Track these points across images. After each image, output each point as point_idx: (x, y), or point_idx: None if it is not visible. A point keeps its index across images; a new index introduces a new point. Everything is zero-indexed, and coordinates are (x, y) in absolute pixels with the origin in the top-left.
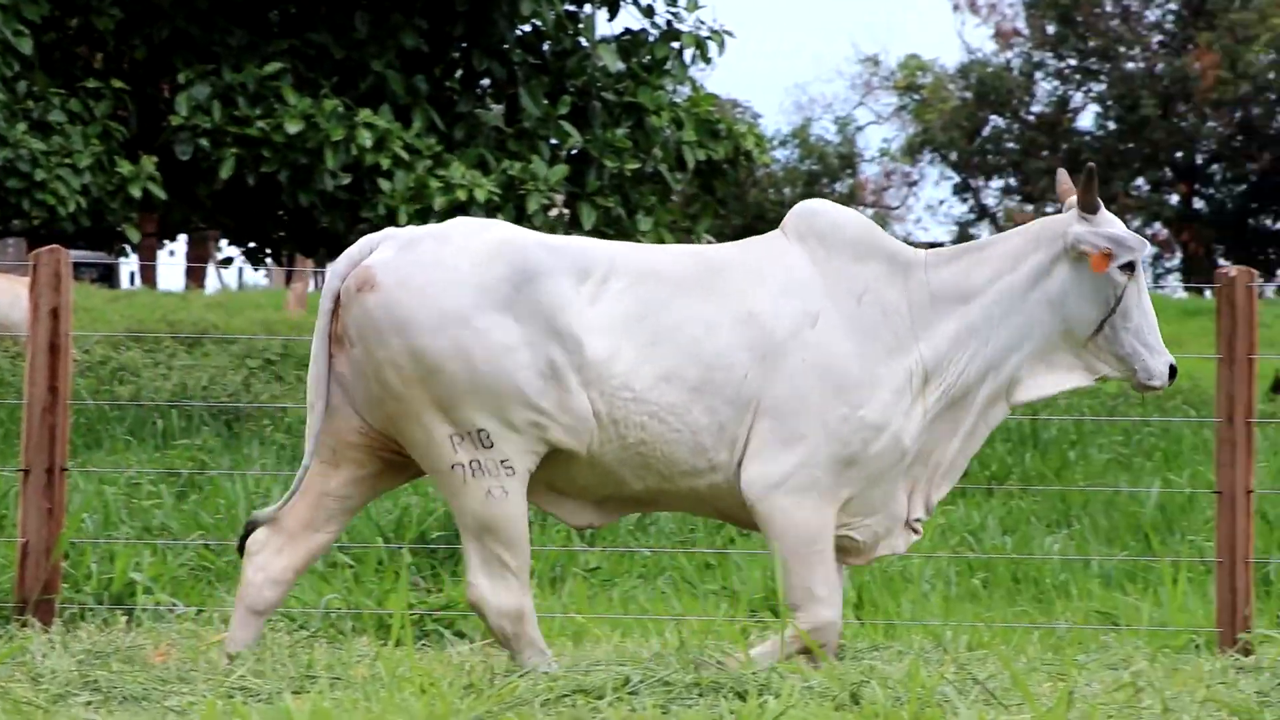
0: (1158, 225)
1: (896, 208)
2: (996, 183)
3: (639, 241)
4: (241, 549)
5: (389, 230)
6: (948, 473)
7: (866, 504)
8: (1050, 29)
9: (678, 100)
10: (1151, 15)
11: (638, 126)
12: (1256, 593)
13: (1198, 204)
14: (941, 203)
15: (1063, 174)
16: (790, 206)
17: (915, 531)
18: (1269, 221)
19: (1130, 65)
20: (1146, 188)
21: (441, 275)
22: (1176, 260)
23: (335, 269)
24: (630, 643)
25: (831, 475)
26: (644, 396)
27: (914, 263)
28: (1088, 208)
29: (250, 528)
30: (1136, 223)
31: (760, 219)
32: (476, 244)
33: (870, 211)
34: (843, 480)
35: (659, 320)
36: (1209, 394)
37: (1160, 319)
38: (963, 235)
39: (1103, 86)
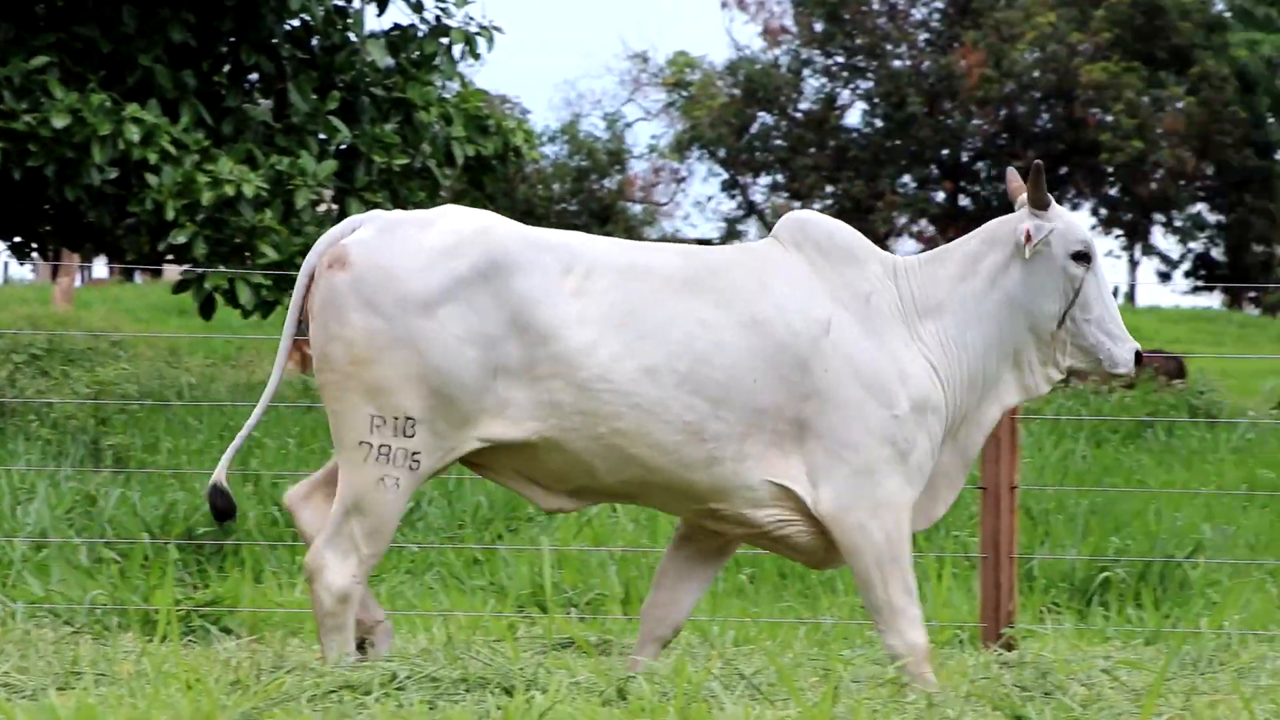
0: (924, 222)
1: (665, 204)
2: (764, 180)
3: None
4: (220, 518)
5: (374, 211)
6: (950, 483)
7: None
8: (818, 27)
9: (447, 96)
10: (918, 14)
11: (406, 122)
12: (1020, 588)
13: (964, 201)
14: (710, 199)
15: (1012, 172)
16: (559, 202)
17: None
18: None
19: (897, 63)
20: (913, 185)
21: (413, 260)
22: None
23: (315, 247)
24: (398, 639)
25: (898, 472)
26: (624, 389)
27: (898, 267)
28: (1038, 204)
29: (213, 491)
30: (903, 220)
31: (529, 215)
32: (455, 232)
33: (639, 208)
34: (905, 476)
35: (648, 316)
36: None
37: None
38: (731, 232)
39: (870, 84)
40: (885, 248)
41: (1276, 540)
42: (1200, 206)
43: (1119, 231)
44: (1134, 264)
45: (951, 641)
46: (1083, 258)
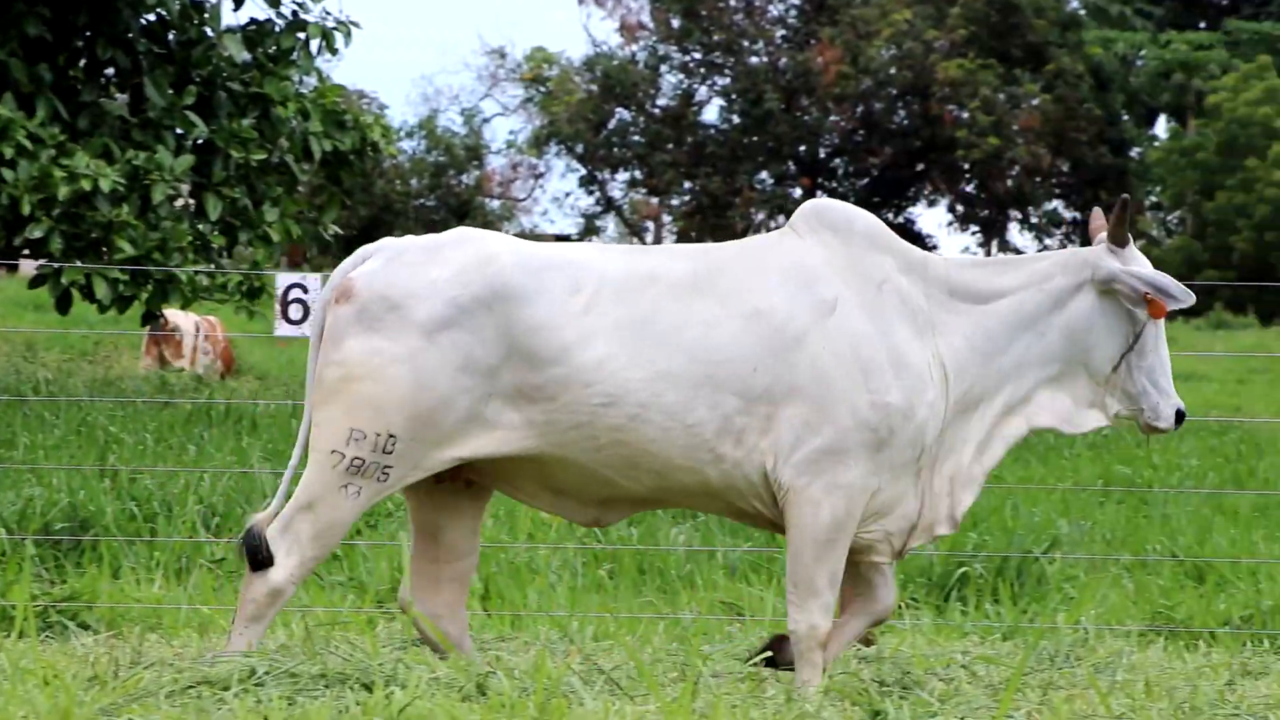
0: (781, 218)
1: (523, 200)
2: (622, 175)
3: (266, 231)
4: (253, 564)
5: (385, 241)
6: (966, 484)
7: (881, 501)
8: (675, 23)
9: (304, 91)
10: (775, 10)
11: (264, 117)
12: None
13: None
14: (568, 195)
15: (1097, 211)
16: (417, 197)
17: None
18: (890, 215)
19: (754, 59)
20: (770, 181)
21: (417, 287)
22: None
23: (331, 279)
24: None
25: (863, 462)
26: (627, 400)
27: (929, 262)
28: (1118, 241)
29: (251, 537)
30: (760, 216)
31: (387, 210)
32: (460, 258)
33: (497, 204)
34: (873, 468)
35: (658, 324)
36: None
37: None
38: (589, 228)
39: (727, 80)
40: None
41: (1133, 535)
42: (1056, 203)
43: (975, 228)
44: None
45: None
46: (1150, 304)
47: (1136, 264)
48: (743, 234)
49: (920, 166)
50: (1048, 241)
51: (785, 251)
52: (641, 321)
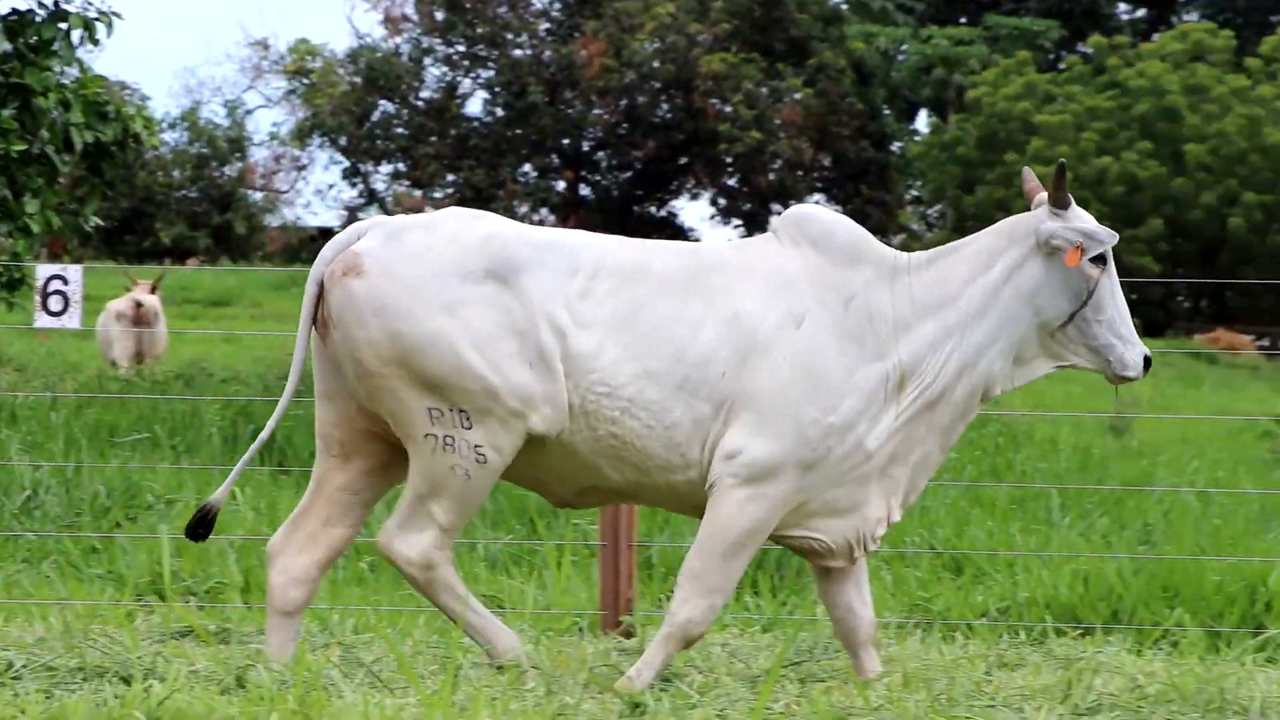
0: (545, 211)
1: (286, 191)
2: (386, 168)
3: (27, 222)
4: (192, 534)
5: (376, 218)
6: (925, 470)
7: (829, 506)
8: (439, 15)
9: (65, 82)
10: (539, 3)
11: (24, 108)
12: (639, 575)
13: (584, 190)
14: (331, 187)
15: (1028, 172)
16: (180, 189)
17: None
18: (653, 209)
19: (518, 52)
20: (534, 174)
21: (428, 264)
22: None
23: (322, 255)
24: (14, 628)
25: (792, 479)
26: (620, 393)
27: (899, 266)
28: (1059, 203)
29: (203, 513)
30: (524, 209)
31: (149, 201)
32: (464, 235)
33: (259, 196)
34: (801, 484)
35: (646, 319)
36: None
37: None
38: (352, 220)
39: (491, 73)
40: None
41: (892, 529)
42: (818, 197)
43: (738, 221)
44: None
45: (571, 629)
46: (1099, 259)
47: (1079, 222)
48: None
49: (683, 160)
50: None
51: (768, 257)
52: (632, 316)
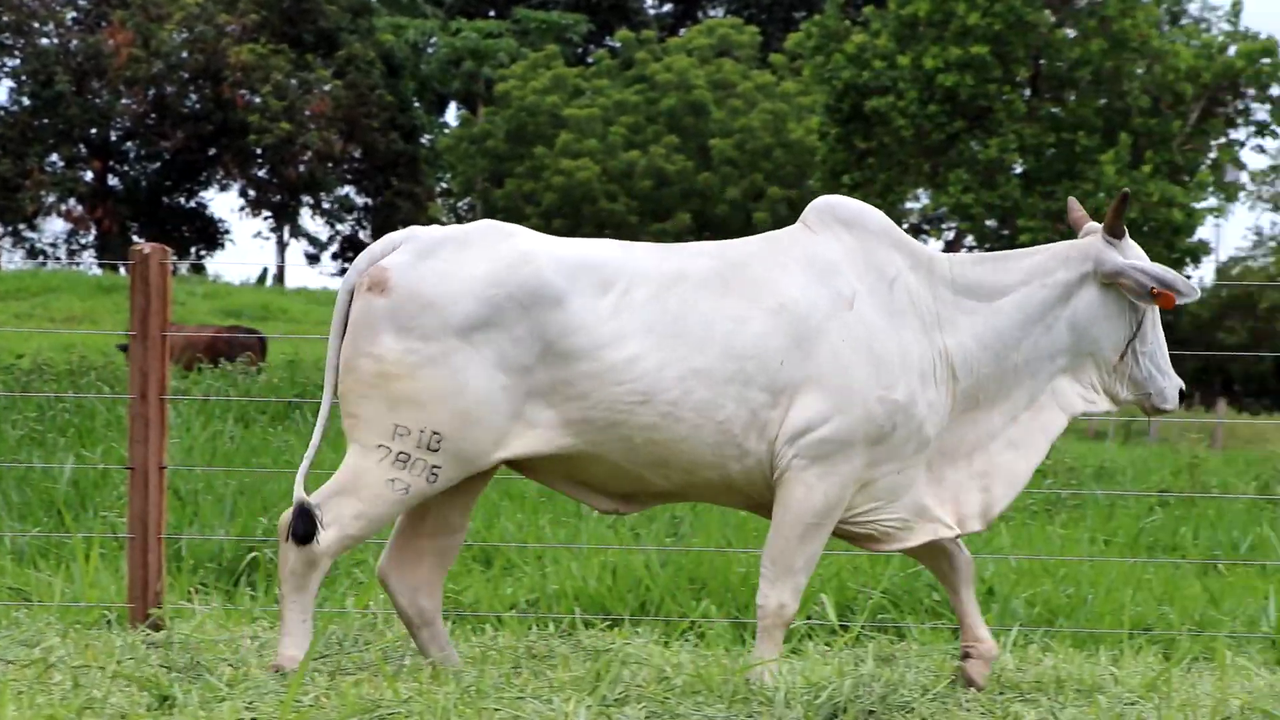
0: (73, 201)
1: None
2: None
3: None
4: (299, 538)
5: (412, 230)
6: (1009, 483)
7: (886, 490)
8: None
9: None
10: None
11: None
12: (169, 568)
13: (112, 181)
14: None
15: (1074, 201)
16: None
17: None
18: (182, 199)
19: (44, 41)
20: (61, 164)
21: (452, 287)
22: (91, 237)
23: (356, 264)
24: None
25: (862, 455)
26: (661, 398)
27: (935, 259)
28: (1114, 233)
29: (302, 511)
30: (51, 198)
31: None
32: (494, 256)
33: None
34: (870, 460)
35: (688, 321)
36: (124, 371)
37: (74, 296)
38: None
39: (17, 62)
40: (32, 227)
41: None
42: (348, 189)
43: (268, 213)
44: (283, 246)
45: (99, 622)
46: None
47: (1132, 254)
48: (34, 217)
49: (212, 151)
50: (339, 227)
51: (802, 246)
52: (672, 319)
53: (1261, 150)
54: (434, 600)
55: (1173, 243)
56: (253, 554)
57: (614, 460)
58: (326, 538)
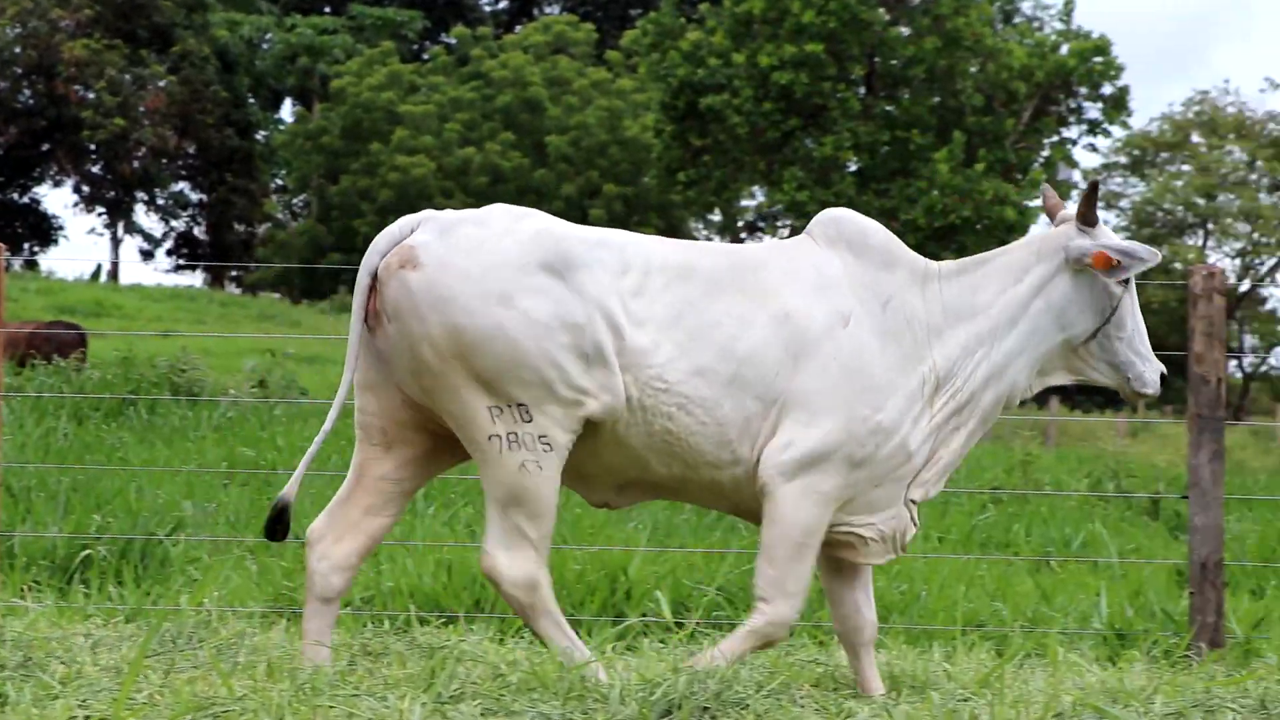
0: None
1: None
2: None
3: None
4: (271, 533)
5: (428, 212)
6: (945, 470)
7: (871, 503)
8: None
9: None
10: None
11: None
12: (1, 565)
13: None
14: None
15: (1047, 189)
16: None
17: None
18: (15, 195)
19: None
20: None
21: (484, 258)
22: None
23: (375, 246)
24: None
25: (842, 474)
26: (676, 389)
27: (929, 273)
28: (1087, 221)
29: (278, 508)
30: None
31: None
32: (517, 230)
33: None
34: (849, 480)
35: (698, 317)
36: None
37: None
38: None
39: None
40: None
41: (256, 517)
42: (183, 185)
43: (101, 209)
44: (117, 242)
45: None
46: (1124, 279)
47: (1106, 239)
48: None
49: (46, 146)
50: (174, 224)
51: (807, 257)
52: (683, 313)
53: (1094, 149)
54: (345, 579)
55: (1006, 241)
56: (86, 552)
57: (630, 444)
58: (526, 558)
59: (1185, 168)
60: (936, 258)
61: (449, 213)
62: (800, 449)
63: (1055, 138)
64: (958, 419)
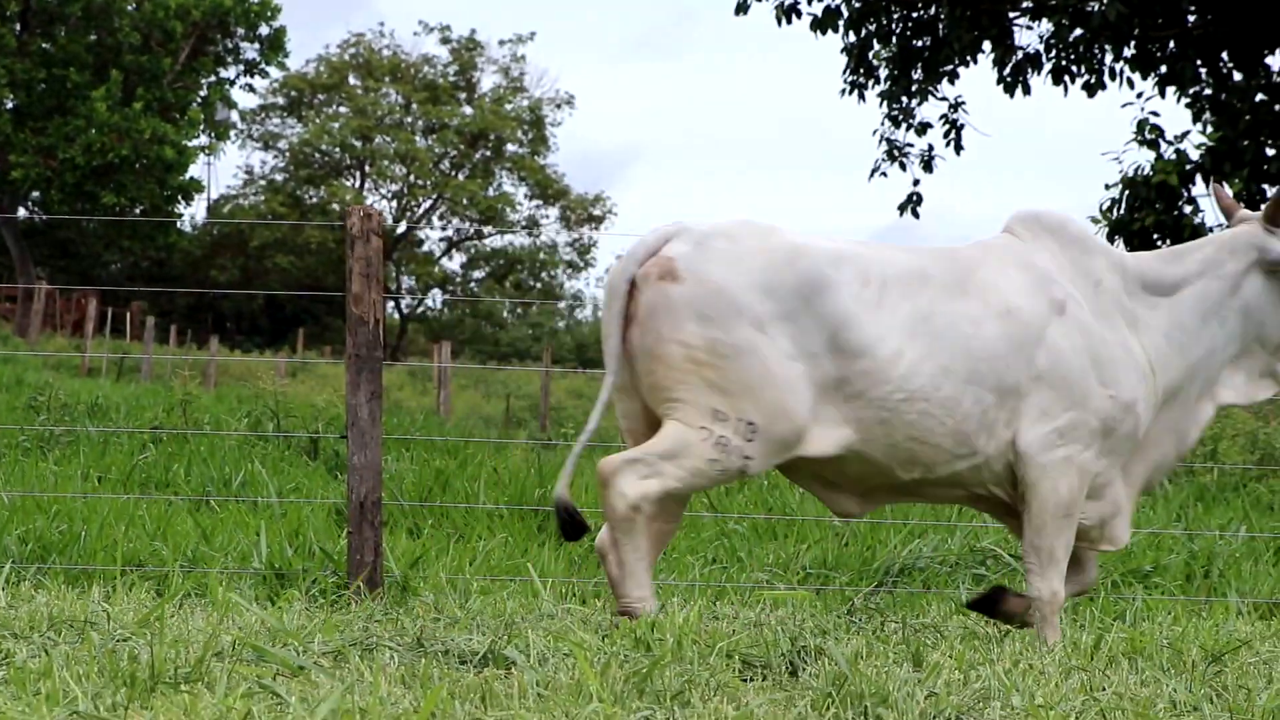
0: None
1: None
2: None
3: None
4: (569, 535)
5: (682, 223)
6: (1161, 470)
7: (1097, 488)
8: None
9: None
10: None
11: None
12: None
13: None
14: None
15: (1222, 189)
16: None
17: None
18: None
19: None
20: None
21: (740, 275)
22: None
23: (632, 254)
24: None
25: (1093, 449)
26: (919, 394)
27: (1125, 260)
28: (1275, 220)
29: (567, 513)
30: None
31: None
32: (769, 248)
33: None
34: (1100, 454)
35: (936, 321)
36: None
37: None
38: None
39: None
40: None
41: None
42: None
43: None
44: None
45: None
46: None
47: None
48: None
49: None
50: None
51: (1014, 254)
52: (924, 317)
53: (252, 89)
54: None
55: (165, 180)
56: None
57: (874, 457)
58: (649, 486)
59: (342, 109)
60: (96, 197)
61: (700, 224)
62: (1050, 425)
63: (213, 78)
64: (1166, 413)
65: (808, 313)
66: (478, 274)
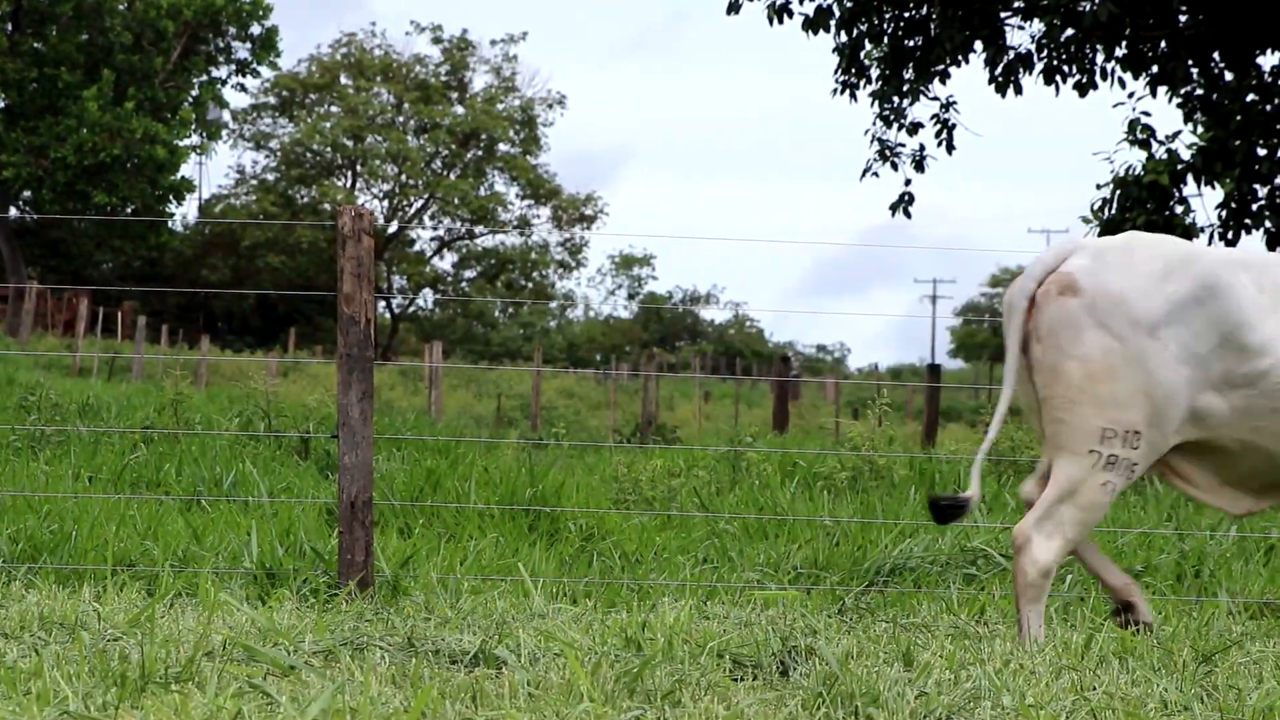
0: None
1: None
2: None
3: None
4: (944, 518)
5: (1075, 239)
6: None
7: None
8: None
9: None
10: None
11: None
12: None
13: None
14: None
15: None
16: None
17: None
18: None
19: None
20: None
21: (1137, 285)
22: None
23: (1031, 272)
24: None
25: None
26: None
27: None
28: None
29: (960, 505)
30: None
31: None
32: (1164, 255)
33: None
34: None
35: None
36: None
37: None
38: None
39: None
40: None
41: None
42: None
43: None
44: None
45: None
46: None
47: None
48: None
49: None
50: None
51: None
52: None
53: (243, 89)
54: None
55: (156, 180)
56: None
57: (1266, 449)
58: (1054, 548)
59: (334, 109)
60: (88, 197)
61: (1096, 240)
62: None
63: (205, 77)
64: None
65: (1200, 315)
66: (469, 274)
